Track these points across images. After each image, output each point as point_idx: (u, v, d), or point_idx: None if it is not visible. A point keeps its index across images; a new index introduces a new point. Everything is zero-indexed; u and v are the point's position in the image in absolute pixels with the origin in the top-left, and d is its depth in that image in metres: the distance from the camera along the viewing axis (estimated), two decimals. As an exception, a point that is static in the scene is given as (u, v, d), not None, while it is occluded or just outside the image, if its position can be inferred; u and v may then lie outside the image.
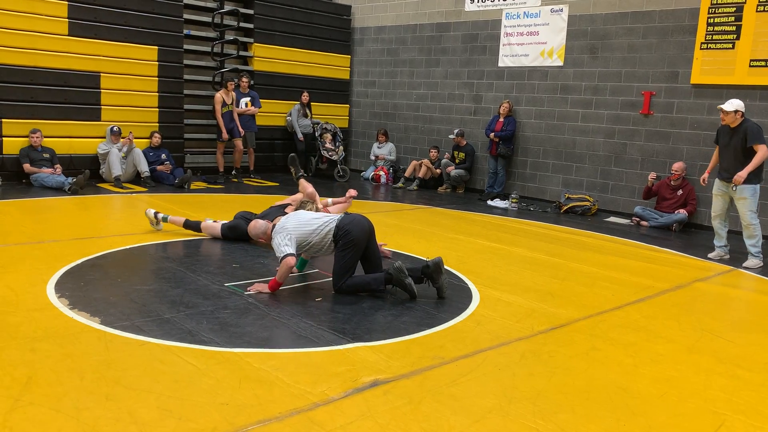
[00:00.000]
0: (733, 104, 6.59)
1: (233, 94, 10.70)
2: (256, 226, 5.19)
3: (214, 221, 6.59)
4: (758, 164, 6.50)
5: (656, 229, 8.70)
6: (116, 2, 10.12)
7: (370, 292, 4.83)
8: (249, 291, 4.74)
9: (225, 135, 10.61)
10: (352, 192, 6.87)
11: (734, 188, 6.62)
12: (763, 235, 7.22)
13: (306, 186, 6.62)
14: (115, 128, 9.82)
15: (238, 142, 10.84)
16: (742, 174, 6.48)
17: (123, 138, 9.75)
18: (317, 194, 6.66)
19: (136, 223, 6.84)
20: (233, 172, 10.93)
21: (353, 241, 4.73)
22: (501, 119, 10.60)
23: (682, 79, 9.07)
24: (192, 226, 6.49)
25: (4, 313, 4.02)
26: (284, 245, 4.68)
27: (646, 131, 9.47)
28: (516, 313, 4.64)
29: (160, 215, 6.51)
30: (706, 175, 7.06)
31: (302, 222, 4.84)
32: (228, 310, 4.32)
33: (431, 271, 4.79)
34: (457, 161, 11.38)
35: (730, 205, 6.88)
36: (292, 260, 4.63)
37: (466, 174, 11.32)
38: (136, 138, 9.93)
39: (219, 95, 10.54)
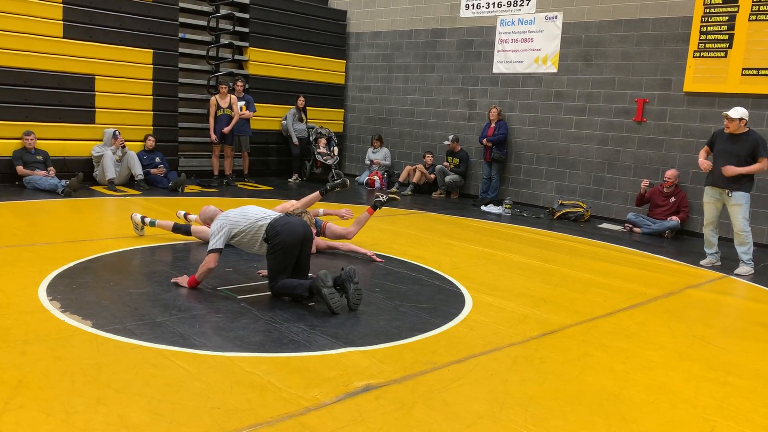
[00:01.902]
0: (738, 112, 6.58)
1: (232, 97, 10.68)
2: (206, 211, 5.11)
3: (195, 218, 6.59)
4: (753, 171, 6.53)
5: (649, 236, 8.73)
6: (111, 5, 10.12)
7: (295, 297, 4.64)
8: (172, 280, 4.91)
9: (213, 137, 10.65)
10: (347, 213, 6.61)
11: (729, 194, 6.63)
12: (755, 243, 7.25)
13: (294, 202, 6.23)
14: (115, 132, 9.79)
15: (228, 149, 10.84)
16: (736, 169, 6.46)
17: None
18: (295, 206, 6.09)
19: (129, 226, 6.79)
20: (225, 181, 10.90)
21: (281, 244, 4.59)
22: (492, 125, 10.65)
23: (675, 86, 9.12)
24: (182, 229, 6.42)
25: (-5, 315, 4.01)
26: (214, 235, 4.69)
27: (639, 138, 9.52)
28: (509, 319, 4.65)
29: (148, 219, 6.42)
30: (706, 162, 6.81)
31: (244, 213, 4.80)
32: (220, 314, 4.31)
33: (342, 280, 4.54)
34: (451, 167, 11.41)
35: (721, 212, 6.91)
36: (212, 261, 4.65)
37: (461, 179, 11.35)
38: (130, 141, 9.91)
39: (214, 98, 10.59)
